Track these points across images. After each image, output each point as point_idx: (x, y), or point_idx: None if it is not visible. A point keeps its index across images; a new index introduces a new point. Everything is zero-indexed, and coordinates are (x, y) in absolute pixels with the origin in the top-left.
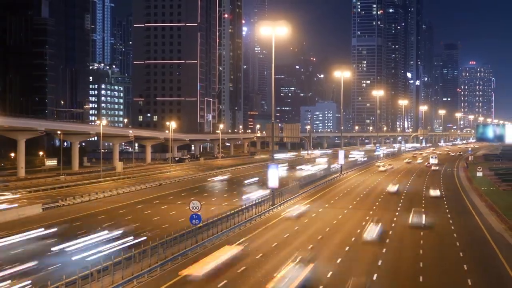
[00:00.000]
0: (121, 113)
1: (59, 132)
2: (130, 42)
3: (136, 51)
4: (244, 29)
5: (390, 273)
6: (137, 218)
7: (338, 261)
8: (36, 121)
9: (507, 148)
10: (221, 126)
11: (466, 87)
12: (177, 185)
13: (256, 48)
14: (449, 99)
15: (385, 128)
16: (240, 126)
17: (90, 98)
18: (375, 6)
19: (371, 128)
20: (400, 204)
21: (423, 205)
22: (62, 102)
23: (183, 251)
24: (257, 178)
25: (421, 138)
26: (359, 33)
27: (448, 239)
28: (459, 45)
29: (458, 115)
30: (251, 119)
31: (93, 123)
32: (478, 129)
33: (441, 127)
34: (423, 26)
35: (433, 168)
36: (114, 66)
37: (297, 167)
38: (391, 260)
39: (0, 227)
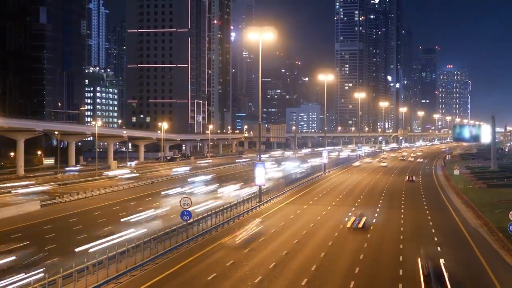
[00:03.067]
0: (115, 114)
1: (56, 132)
2: (124, 47)
3: (129, 55)
4: (233, 34)
5: (371, 267)
6: (130, 214)
7: (322, 255)
8: (35, 122)
9: (482, 147)
10: (211, 126)
11: (443, 89)
12: (169, 182)
13: (244, 53)
14: (427, 101)
15: (366, 129)
16: (229, 127)
17: (86, 100)
18: (357, 12)
19: (353, 128)
20: (381, 198)
21: (402, 200)
22: (59, 104)
23: (174, 246)
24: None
25: (401, 138)
26: (341, 38)
27: (426, 234)
28: (437, 49)
29: (436, 116)
30: (239, 120)
31: (88, 124)
32: (455, 130)
33: (420, 128)
34: (403, 32)
35: None
36: (108, 70)
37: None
38: (372, 254)
39: (1, 223)
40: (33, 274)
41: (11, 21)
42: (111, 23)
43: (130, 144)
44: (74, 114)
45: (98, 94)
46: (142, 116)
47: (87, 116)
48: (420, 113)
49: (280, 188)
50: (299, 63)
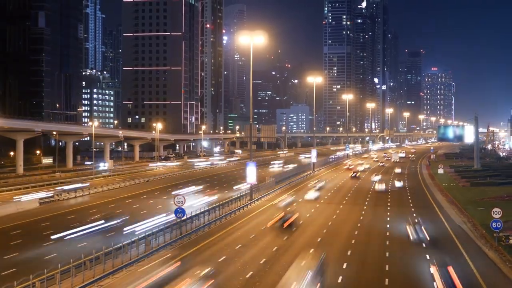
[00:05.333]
0: (111, 115)
1: (54, 132)
2: (120, 50)
3: (125, 58)
4: (225, 38)
5: (358, 265)
6: (126, 211)
7: (311, 251)
8: (34, 122)
9: (465, 147)
10: (204, 127)
11: (428, 91)
12: (163, 181)
13: (235, 56)
14: (413, 102)
15: (354, 129)
16: (221, 127)
17: (83, 101)
18: (345, 17)
19: (341, 129)
20: (368, 196)
21: (389, 201)
22: (57, 105)
23: (168, 242)
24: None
25: (387, 138)
26: (330, 41)
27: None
28: (422, 52)
29: (421, 117)
30: (231, 121)
31: (85, 125)
32: (439, 130)
33: (405, 128)
34: (389, 35)
35: None
36: (105, 72)
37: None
38: (358, 255)
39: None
40: None
41: (11, 25)
42: (107, 27)
43: (125, 144)
44: (71, 115)
45: (94, 96)
46: (137, 117)
47: (84, 117)
48: (406, 114)
49: (270, 186)
50: (289, 65)
